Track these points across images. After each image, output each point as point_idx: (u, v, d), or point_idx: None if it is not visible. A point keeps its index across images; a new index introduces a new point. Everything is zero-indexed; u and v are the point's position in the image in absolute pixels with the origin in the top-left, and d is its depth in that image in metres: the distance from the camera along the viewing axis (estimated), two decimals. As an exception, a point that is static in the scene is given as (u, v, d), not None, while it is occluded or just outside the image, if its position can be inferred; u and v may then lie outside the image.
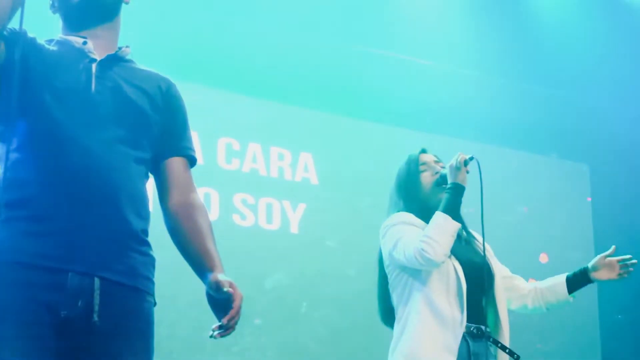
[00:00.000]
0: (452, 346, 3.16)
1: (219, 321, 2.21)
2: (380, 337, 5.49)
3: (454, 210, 3.26)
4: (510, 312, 3.47)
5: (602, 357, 7.03)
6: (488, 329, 3.30)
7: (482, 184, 3.34)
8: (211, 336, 2.20)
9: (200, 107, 5.82)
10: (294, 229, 6.17)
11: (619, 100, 7.24)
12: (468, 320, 3.22)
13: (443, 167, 3.44)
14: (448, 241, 3.20)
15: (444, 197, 3.29)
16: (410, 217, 3.37)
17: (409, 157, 3.52)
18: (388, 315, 3.46)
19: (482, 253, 3.36)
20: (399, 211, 3.43)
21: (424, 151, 3.54)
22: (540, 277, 6.26)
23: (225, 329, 2.19)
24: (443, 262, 3.22)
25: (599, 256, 3.53)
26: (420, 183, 3.44)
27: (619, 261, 3.52)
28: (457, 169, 3.30)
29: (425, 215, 3.32)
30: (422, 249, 3.16)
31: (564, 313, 6.73)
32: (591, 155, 7.32)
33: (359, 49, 6.53)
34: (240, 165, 6.13)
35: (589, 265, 3.52)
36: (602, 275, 3.49)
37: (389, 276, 3.41)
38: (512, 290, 3.54)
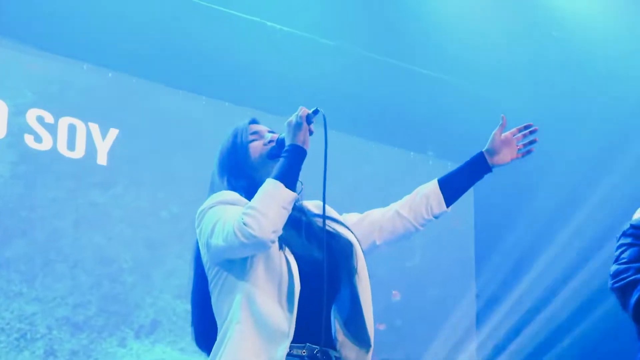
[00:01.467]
0: None
1: None
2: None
3: (289, 177, 2.77)
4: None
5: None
6: (336, 354, 2.84)
7: (326, 145, 2.85)
8: None
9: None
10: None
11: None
12: (302, 334, 2.74)
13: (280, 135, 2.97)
14: (279, 214, 2.70)
15: (279, 162, 2.82)
16: (234, 196, 2.88)
17: (235, 128, 3.05)
18: (204, 331, 2.90)
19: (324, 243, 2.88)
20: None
21: (254, 121, 3.09)
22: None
23: None
24: (273, 242, 2.72)
25: (492, 135, 3.15)
26: (249, 154, 2.98)
27: (514, 134, 3.15)
28: (297, 126, 2.83)
29: (254, 193, 2.79)
30: (244, 223, 2.65)
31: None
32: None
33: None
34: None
35: (484, 150, 3.14)
36: (504, 157, 3.14)
37: (208, 276, 2.86)
38: (371, 232, 3.10)
